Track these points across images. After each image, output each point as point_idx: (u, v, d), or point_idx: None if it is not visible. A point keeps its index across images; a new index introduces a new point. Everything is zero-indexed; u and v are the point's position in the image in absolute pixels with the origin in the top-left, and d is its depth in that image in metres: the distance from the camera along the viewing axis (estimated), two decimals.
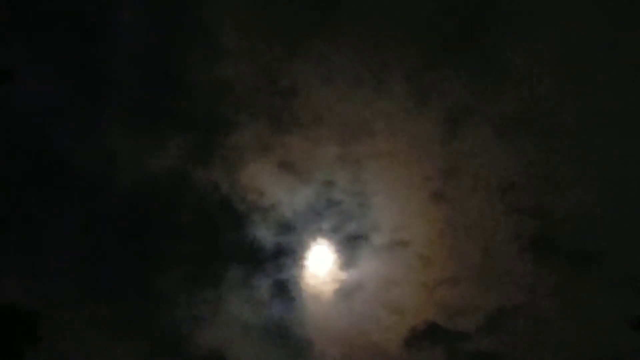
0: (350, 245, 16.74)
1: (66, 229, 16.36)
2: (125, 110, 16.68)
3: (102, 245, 16.65)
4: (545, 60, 17.01)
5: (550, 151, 17.07)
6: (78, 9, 16.64)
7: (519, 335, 16.56)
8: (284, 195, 16.68)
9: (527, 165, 17.03)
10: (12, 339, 11.88)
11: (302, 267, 16.58)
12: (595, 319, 16.13)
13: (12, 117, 16.06)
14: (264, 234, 16.57)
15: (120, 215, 16.52)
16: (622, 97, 16.56)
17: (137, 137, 16.73)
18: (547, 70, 17.01)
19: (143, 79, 16.73)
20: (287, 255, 16.57)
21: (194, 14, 16.53)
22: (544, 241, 16.94)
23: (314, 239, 16.65)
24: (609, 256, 16.22)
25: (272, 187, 16.66)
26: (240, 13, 16.60)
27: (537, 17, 16.73)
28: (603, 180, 16.77)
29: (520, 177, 17.04)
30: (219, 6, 16.51)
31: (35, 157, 16.45)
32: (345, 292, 16.68)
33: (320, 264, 16.71)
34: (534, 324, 16.63)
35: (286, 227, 16.66)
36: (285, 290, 16.47)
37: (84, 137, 16.92)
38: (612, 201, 16.42)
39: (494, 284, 16.87)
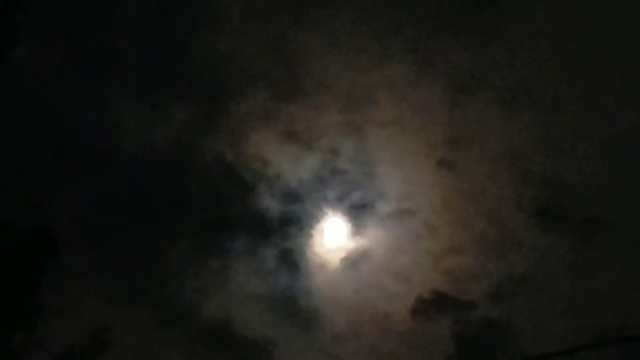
0: (356, 214, 16.67)
1: (72, 201, 16.35)
2: (128, 82, 16.61)
3: (107, 216, 16.65)
4: (550, 29, 16.77)
5: (557, 119, 16.87)
6: None
7: (527, 304, 16.47)
8: (289, 164, 16.59)
9: (534, 132, 16.85)
10: None
11: (308, 236, 16.53)
12: (605, 286, 16.00)
13: (14, 89, 16.03)
14: (269, 203, 16.51)
15: (126, 186, 16.50)
16: (630, 65, 16.34)
17: (141, 108, 16.67)
18: (552, 39, 16.78)
19: (145, 49, 16.62)
20: (292, 224, 16.53)
21: None
22: (552, 208, 16.78)
23: (320, 208, 16.57)
24: (618, 223, 16.06)
25: (277, 156, 16.57)
26: None
27: None
28: (611, 146, 16.59)
29: (526, 145, 16.87)
30: None
31: (38, 130, 16.41)
32: (351, 261, 16.64)
33: (326, 233, 16.66)
34: (542, 292, 16.54)
35: (291, 197, 16.59)
36: (291, 259, 16.45)
37: (87, 109, 16.85)
38: (621, 167, 16.23)
39: (502, 253, 16.77)
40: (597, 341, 5.12)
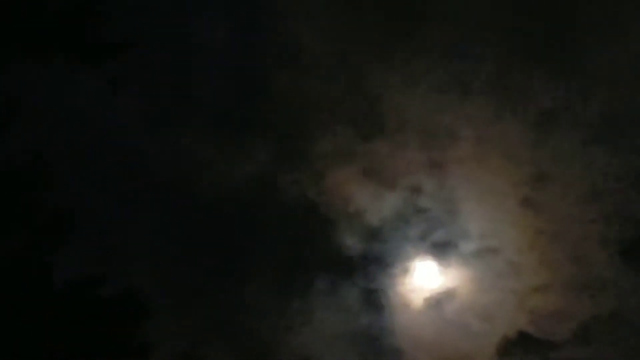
0: (438, 252, 16.51)
1: (151, 235, 16.38)
2: (210, 118, 16.64)
3: (187, 252, 16.64)
4: (631, 64, 16.56)
5: None
6: (160, 19, 16.68)
7: (614, 345, 16.17)
8: (370, 202, 16.49)
9: (617, 170, 16.59)
10: None
11: (390, 275, 16.38)
12: None
13: (98, 123, 16.20)
14: (351, 242, 16.39)
15: (206, 222, 16.49)
16: None
17: (223, 144, 16.66)
18: (633, 74, 16.57)
19: (227, 86, 16.64)
20: (374, 263, 16.39)
21: (277, 22, 16.42)
22: (636, 247, 16.49)
23: (402, 247, 16.42)
24: None
25: (358, 194, 16.47)
26: (325, 20, 16.44)
27: (625, 22, 16.30)
28: None
29: (610, 183, 16.60)
30: (303, 14, 16.36)
31: (120, 164, 16.51)
32: (434, 301, 16.45)
33: (408, 272, 16.49)
34: (629, 333, 16.22)
35: (373, 235, 16.46)
36: (374, 298, 16.30)
37: (166, 146, 16.91)
38: None
39: (586, 292, 16.49)
40: None
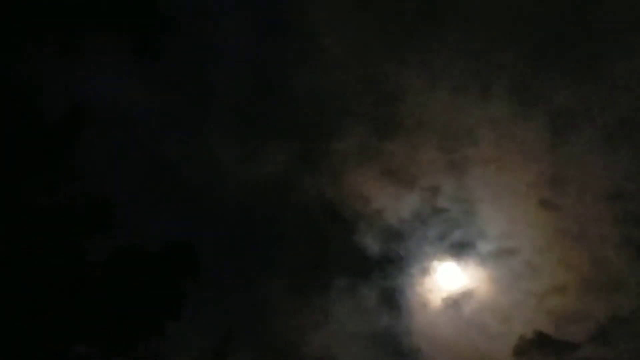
0: (456, 253, 16.58)
1: (171, 235, 16.43)
2: (226, 119, 16.75)
3: (206, 255, 16.70)
4: None
5: None
6: (180, 18, 16.73)
7: (631, 346, 16.18)
8: (389, 202, 16.59)
9: (636, 172, 16.65)
10: None
11: (408, 275, 16.47)
12: None
13: (117, 125, 16.28)
14: (370, 242, 16.48)
15: (226, 224, 16.58)
16: None
17: (240, 145, 16.78)
18: None
19: (246, 86, 16.76)
20: (393, 263, 16.47)
21: (296, 21, 16.53)
22: None
23: (420, 247, 16.51)
24: None
25: (377, 194, 16.57)
26: (344, 19, 16.54)
27: None
28: None
29: (628, 184, 16.66)
30: (322, 13, 16.46)
31: (141, 165, 16.59)
32: (453, 301, 16.52)
33: (426, 272, 16.57)
34: None
35: (391, 235, 16.55)
36: (392, 298, 16.37)
37: (187, 146, 17.01)
38: None
39: (604, 293, 16.54)
40: None
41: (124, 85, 15.62)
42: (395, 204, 16.52)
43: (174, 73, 16.83)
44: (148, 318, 11.79)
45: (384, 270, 16.42)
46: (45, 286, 10.26)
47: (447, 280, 16.54)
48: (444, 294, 16.49)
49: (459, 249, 16.53)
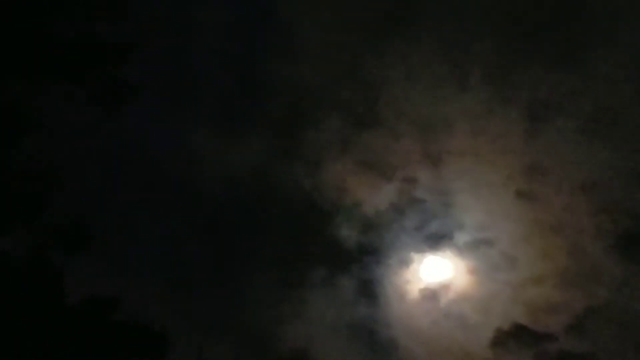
0: (434, 244, 16.58)
1: (151, 228, 16.43)
2: (206, 110, 16.72)
3: (183, 246, 16.70)
4: (629, 58, 16.65)
5: (635, 148, 16.69)
6: (159, 8, 16.72)
7: (608, 336, 16.22)
8: (367, 193, 16.58)
9: (612, 162, 16.67)
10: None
11: (386, 266, 16.45)
12: None
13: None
14: (348, 233, 16.47)
15: (203, 215, 16.56)
16: None
17: (217, 136, 16.76)
18: (630, 68, 16.66)
19: (224, 78, 16.73)
20: (370, 254, 16.46)
21: (274, 13, 16.51)
22: (632, 240, 16.55)
23: (398, 238, 16.50)
24: None
25: (355, 185, 16.56)
26: (321, 11, 16.53)
27: (622, 20, 16.41)
28: None
29: (605, 175, 16.67)
30: (300, 5, 16.45)
31: (120, 156, 16.56)
32: (430, 292, 16.52)
33: (404, 264, 16.56)
34: (623, 325, 16.28)
35: (369, 226, 16.54)
36: (370, 290, 16.36)
37: (164, 137, 16.98)
38: None
39: (581, 284, 16.55)
40: None
41: None
42: (373, 195, 16.53)
43: (151, 63, 16.80)
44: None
45: (361, 261, 16.44)
46: None
47: (425, 271, 16.56)
48: (422, 285, 16.52)
49: (437, 240, 16.56)
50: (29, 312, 11.15)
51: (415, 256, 16.54)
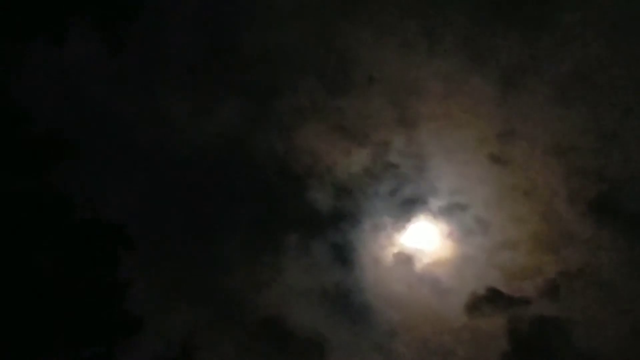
0: (407, 208, 16.55)
1: (125, 192, 16.29)
2: (179, 76, 16.59)
3: (156, 212, 16.58)
4: (602, 21, 16.68)
5: (608, 112, 16.73)
6: None
7: (581, 300, 16.28)
8: (340, 158, 16.52)
9: (585, 126, 16.71)
10: None
11: (360, 231, 16.41)
12: None
13: (66, 82, 16.10)
14: (321, 198, 16.41)
15: (176, 181, 16.45)
16: None
17: (190, 102, 16.64)
18: (603, 30, 16.69)
19: (197, 44, 16.61)
20: (344, 219, 16.42)
21: None
22: (604, 204, 16.61)
23: (371, 203, 16.46)
24: None
25: (328, 150, 16.50)
26: None
27: None
28: None
29: (578, 139, 16.72)
30: None
31: (90, 122, 16.41)
32: (404, 257, 16.48)
33: (378, 228, 16.53)
34: (596, 288, 16.33)
35: (343, 191, 16.49)
36: (344, 254, 16.32)
37: (135, 104, 16.84)
38: None
39: (554, 248, 16.59)
40: None
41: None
42: (346, 160, 16.48)
43: (125, 31, 16.63)
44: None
45: (335, 226, 16.39)
46: None
47: (399, 236, 16.54)
48: (396, 250, 16.49)
49: (410, 205, 16.54)
50: None
51: (389, 221, 16.52)
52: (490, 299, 16.37)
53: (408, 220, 16.57)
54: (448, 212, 16.47)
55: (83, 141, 16.47)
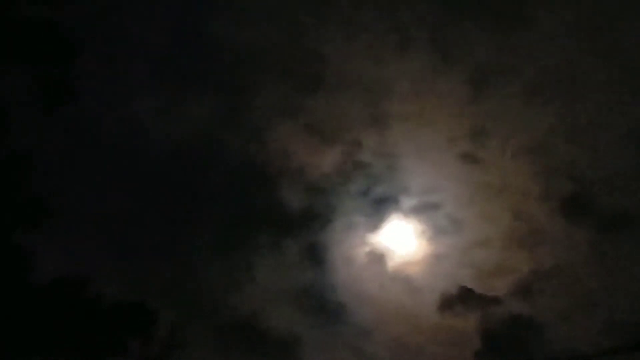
0: (379, 208, 16.52)
1: (95, 194, 16.21)
2: (149, 74, 16.54)
3: (129, 212, 16.49)
4: (574, 19, 16.72)
5: (581, 111, 16.77)
6: None
7: (553, 299, 16.28)
8: (311, 157, 16.48)
9: (557, 125, 16.76)
10: None
11: (331, 230, 16.37)
12: (630, 281, 15.81)
13: None
14: (293, 198, 16.38)
15: (147, 181, 16.36)
16: None
17: (161, 101, 16.59)
18: (575, 29, 16.73)
19: (166, 42, 16.56)
20: (315, 219, 16.37)
21: None
22: (576, 202, 16.64)
23: (343, 202, 16.43)
24: None
25: (299, 150, 16.47)
26: None
27: None
28: (636, 138, 16.48)
29: (550, 137, 16.77)
30: None
31: (62, 120, 16.27)
32: (376, 256, 16.47)
33: (350, 228, 16.50)
34: (568, 287, 16.35)
35: (315, 191, 16.45)
36: (316, 254, 16.28)
37: (107, 103, 16.75)
38: None
39: (526, 247, 16.60)
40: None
41: None
42: (317, 159, 16.45)
43: (93, 26, 16.55)
44: None
45: (306, 226, 16.35)
46: None
47: (371, 235, 16.51)
48: (368, 249, 16.46)
49: (382, 204, 16.51)
50: None
51: (361, 220, 16.50)
52: (462, 298, 16.36)
53: (380, 219, 16.56)
54: (420, 211, 16.48)
55: (50, 141, 16.42)
